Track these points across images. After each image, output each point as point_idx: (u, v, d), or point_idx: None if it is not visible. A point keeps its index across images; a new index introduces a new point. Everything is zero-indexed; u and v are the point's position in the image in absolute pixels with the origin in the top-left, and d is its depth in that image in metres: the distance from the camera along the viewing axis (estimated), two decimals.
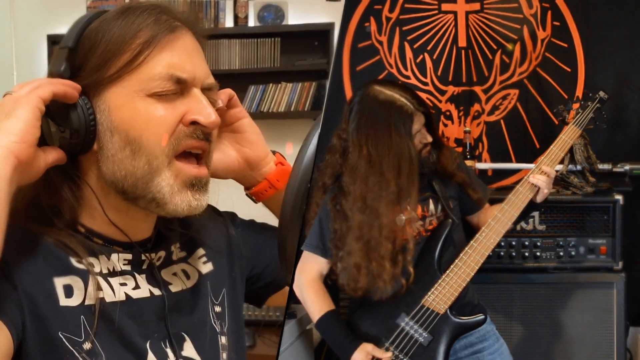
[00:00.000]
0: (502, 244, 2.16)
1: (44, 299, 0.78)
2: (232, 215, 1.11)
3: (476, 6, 2.54)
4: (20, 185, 0.76)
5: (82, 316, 0.80)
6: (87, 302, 0.81)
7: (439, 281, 1.66)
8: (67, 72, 0.81)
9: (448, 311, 1.66)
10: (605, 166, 2.17)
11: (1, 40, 3.34)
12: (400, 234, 1.62)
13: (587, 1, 2.44)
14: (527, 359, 2.15)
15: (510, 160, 2.51)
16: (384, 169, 1.60)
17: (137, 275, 0.88)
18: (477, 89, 2.54)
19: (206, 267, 0.98)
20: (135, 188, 0.82)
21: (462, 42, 2.55)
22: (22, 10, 3.36)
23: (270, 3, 3.18)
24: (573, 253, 2.16)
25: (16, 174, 0.73)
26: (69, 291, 0.80)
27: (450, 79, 2.55)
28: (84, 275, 0.82)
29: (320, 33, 3.10)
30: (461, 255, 1.68)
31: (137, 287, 0.87)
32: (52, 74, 0.81)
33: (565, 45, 2.47)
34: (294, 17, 3.19)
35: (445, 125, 2.55)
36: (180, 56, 0.83)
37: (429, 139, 1.66)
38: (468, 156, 2.31)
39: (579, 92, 2.38)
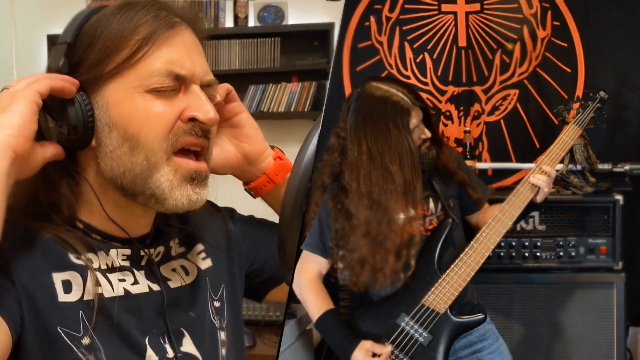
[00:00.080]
0: (502, 244, 2.16)
1: (43, 294, 0.78)
2: (230, 211, 1.11)
3: (476, 6, 2.54)
4: (18, 180, 0.76)
5: (80, 311, 0.80)
6: (85, 298, 0.81)
7: (439, 281, 1.66)
8: (66, 68, 0.81)
9: (448, 311, 1.66)
10: (605, 166, 2.17)
11: (1, 40, 3.34)
12: (409, 227, 1.62)
13: (587, 1, 2.44)
14: (527, 359, 2.15)
15: (510, 160, 2.51)
16: (387, 162, 1.60)
17: (135, 271, 0.88)
18: (477, 89, 2.54)
19: (205, 263, 0.98)
20: (134, 184, 0.82)
21: (462, 42, 2.55)
22: (22, 10, 3.36)
23: (270, 3, 3.18)
24: (573, 253, 2.16)
25: (13, 168, 0.73)
26: (67, 287, 0.80)
27: (450, 79, 2.55)
28: (83, 271, 0.82)
29: (320, 33, 3.10)
30: (462, 255, 1.67)
31: (135, 282, 0.87)
32: (50, 70, 0.81)
33: (565, 45, 2.47)
34: (294, 17, 3.19)
35: (445, 125, 2.55)
36: (180, 52, 0.83)
37: (428, 134, 1.66)
38: (468, 156, 2.31)
39: (579, 92, 2.38)
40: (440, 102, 2.56)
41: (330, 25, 3.05)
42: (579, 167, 2.11)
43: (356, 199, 1.62)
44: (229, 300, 0.99)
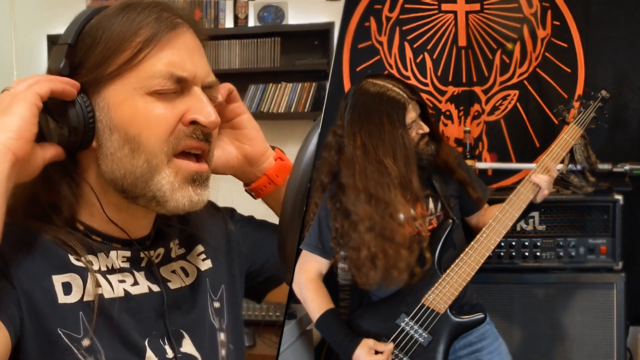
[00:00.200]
0: (502, 244, 2.16)
1: (42, 296, 0.78)
2: (231, 211, 1.10)
3: (476, 6, 2.54)
4: (18, 183, 0.76)
5: (80, 312, 0.79)
6: (85, 299, 0.80)
7: (439, 281, 1.66)
8: (67, 69, 0.80)
9: (448, 311, 1.66)
10: (605, 166, 2.17)
11: (1, 40, 3.34)
12: (409, 227, 1.62)
13: (587, 1, 2.44)
14: (527, 359, 2.15)
15: (510, 160, 2.51)
16: (381, 156, 1.59)
17: (135, 273, 0.88)
18: (477, 89, 2.54)
19: (205, 264, 0.98)
20: (134, 187, 0.82)
21: (462, 42, 2.55)
22: (22, 10, 3.36)
23: (270, 3, 3.18)
24: (573, 253, 2.16)
25: (14, 171, 0.72)
26: (67, 289, 0.80)
27: (450, 79, 2.55)
28: (83, 273, 0.81)
29: (320, 33, 3.10)
30: (462, 255, 1.67)
31: (135, 283, 0.87)
32: (51, 71, 0.81)
33: (565, 45, 2.47)
34: (294, 17, 3.19)
35: (445, 125, 2.55)
36: (181, 54, 0.83)
37: (425, 129, 1.66)
38: (468, 156, 2.31)
39: (580, 92, 2.38)
40: (440, 102, 2.56)
41: (330, 25, 3.05)
42: (579, 167, 2.10)
43: (353, 194, 1.62)
44: (228, 301, 0.99)
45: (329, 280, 1.83)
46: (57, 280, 0.80)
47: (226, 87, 0.96)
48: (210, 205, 1.03)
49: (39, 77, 0.78)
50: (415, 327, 1.67)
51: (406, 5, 2.55)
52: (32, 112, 0.74)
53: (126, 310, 0.84)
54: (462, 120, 2.55)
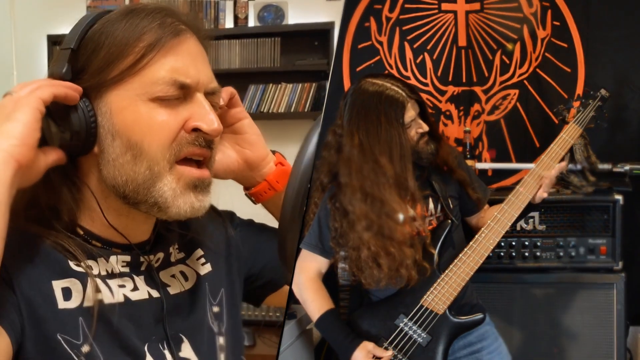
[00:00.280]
0: (502, 244, 2.16)
1: (43, 301, 0.77)
2: (230, 215, 1.10)
3: (476, 6, 2.54)
4: (20, 188, 0.76)
5: (80, 318, 0.79)
6: (85, 304, 0.80)
7: (438, 281, 1.66)
8: (69, 74, 0.80)
9: (447, 311, 1.66)
10: (605, 166, 2.17)
11: (1, 40, 3.34)
12: (409, 227, 1.62)
13: (587, 1, 2.44)
14: (527, 359, 2.15)
15: (510, 160, 2.51)
16: (377, 155, 1.59)
17: (135, 277, 0.88)
18: (477, 89, 2.54)
19: (204, 268, 0.98)
20: (136, 194, 0.82)
21: (462, 42, 2.55)
22: (22, 10, 3.36)
23: (270, 3, 3.18)
24: (573, 253, 2.16)
25: (16, 178, 0.72)
26: (67, 294, 0.80)
27: (450, 79, 2.55)
28: (83, 278, 0.81)
29: (320, 33, 3.10)
30: (460, 255, 1.67)
31: (135, 289, 0.87)
32: (53, 75, 0.80)
33: (565, 45, 2.47)
34: (294, 17, 3.19)
35: (445, 125, 2.55)
36: (184, 61, 0.82)
37: (425, 127, 1.66)
38: (468, 156, 2.31)
39: (579, 92, 2.38)
40: (440, 102, 2.56)
41: (330, 25, 3.04)
42: (579, 166, 2.10)
43: (350, 193, 1.62)
44: (228, 305, 0.99)
45: (329, 280, 1.83)
46: (57, 285, 0.80)
47: (228, 91, 0.96)
48: (211, 209, 1.02)
49: (41, 82, 0.78)
50: (414, 327, 1.67)
51: (406, 5, 2.55)
52: (35, 118, 0.74)
53: (126, 316, 0.84)
54: (462, 120, 2.55)
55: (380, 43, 2.56)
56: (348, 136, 1.64)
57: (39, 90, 0.76)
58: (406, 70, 2.56)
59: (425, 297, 1.67)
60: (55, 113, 0.79)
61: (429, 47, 2.56)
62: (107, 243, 0.86)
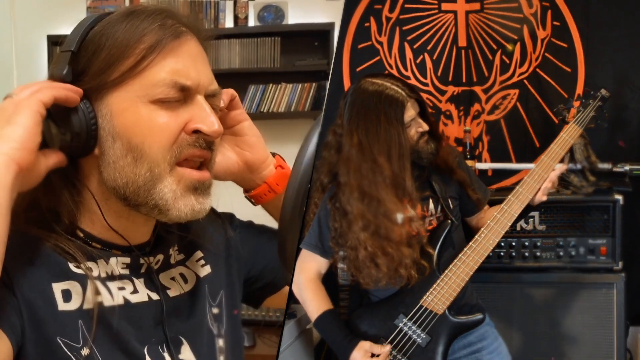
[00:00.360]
0: (502, 244, 2.16)
1: (43, 303, 0.77)
2: (230, 217, 1.10)
3: (476, 6, 2.54)
4: (21, 191, 0.76)
5: (80, 321, 0.79)
6: (85, 307, 0.80)
7: (438, 281, 1.66)
8: (69, 76, 0.80)
9: (447, 311, 1.66)
10: (605, 166, 2.17)
11: (1, 40, 3.34)
12: (409, 227, 1.62)
13: (587, 1, 2.44)
14: (527, 359, 2.15)
15: (510, 160, 2.51)
16: (375, 154, 1.59)
17: (135, 280, 0.88)
18: (477, 89, 2.54)
19: (204, 270, 0.98)
20: (137, 196, 0.82)
21: (462, 42, 2.55)
22: (22, 10, 3.36)
23: (270, 3, 3.18)
24: (573, 253, 2.16)
25: (17, 181, 0.72)
26: (67, 296, 0.80)
27: (450, 79, 2.55)
28: (82, 280, 0.81)
29: (320, 33, 3.10)
30: (460, 255, 1.67)
31: (135, 291, 0.87)
32: (53, 77, 0.80)
33: (565, 45, 2.47)
34: (294, 17, 3.19)
35: (445, 125, 2.55)
36: (185, 63, 0.82)
37: (425, 127, 1.66)
38: (468, 156, 2.31)
39: (579, 92, 2.38)
40: (440, 102, 2.56)
41: (330, 26, 3.04)
42: (578, 166, 2.10)
43: (348, 192, 1.62)
44: (227, 306, 0.99)
45: (329, 280, 1.83)
46: (57, 287, 0.80)
47: (228, 93, 0.96)
48: (210, 211, 1.02)
49: (41, 84, 0.78)
50: (414, 327, 1.67)
51: (406, 6, 2.55)
52: (36, 121, 0.74)
53: (126, 319, 0.84)
54: (462, 120, 2.55)
55: (380, 43, 2.56)
56: (347, 135, 1.64)
57: (40, 92, 0.76)
58: (406, 70, 2.56)
59: (425, 297, 1.67)
60: (56, 115, 0.79)
61: (429, 47, 2.56)
62: (107, 245, 0.86)
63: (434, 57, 2.56)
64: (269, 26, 3.17)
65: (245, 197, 1.05)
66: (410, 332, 1.67)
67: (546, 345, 2.16)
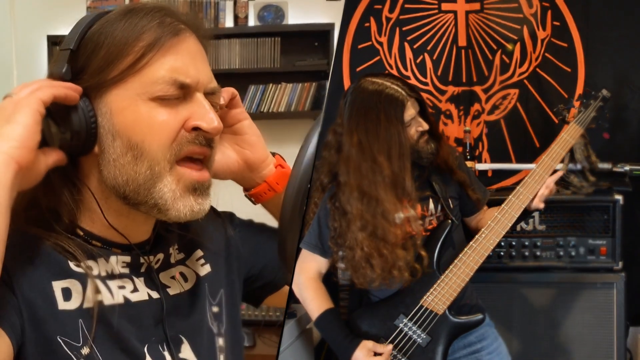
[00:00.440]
0: (502, 243, 2.16)
1: (43, 302, 0.77)
2: (230, 216, 1.10)
3: (476, 6, 2.54)
4: (21, 190, 0.75)
5: (80, 320, 0.79)
6: (85, 305, 0.80)
7: (438, 281, 1.66)
8: (69, 75, 0.80)
9: (447, 311, 1.66)
10: (605, 166, 2.17)
11: (1, 40, 3.34)
12: (408, 227, 1.62)
13: (587, 1, 2.44)
14: (527, 359, 2.15)
15: (510, 160, 2.51)
16: (375, 153, 1.59)
17: (135, 279, 0.88)
18: (477, 89, 2.54)
19: (204, 269, 0.98)
20: (137, 194, 0.82)
21: (462, 42, 2.55)
22: (22, 10, 3.36)
23: (270, 3, 3.18)
24: (573, 253, 2.16)
25: (17, 180, 0.72)
26: (67, 294, 0.80)
27: (450, 78, 2.55)
28: (82, 279, 0.81)
29: (320, 33, 3.10)
30: (460, 255, 1.67)
31: (135, 290, 0.87)
32: (52, 76, 0.80)
33: (565, 45, 2.47)
34: (294, 17, 3.19)
35: (445, 125, 2.55)
36: (184, 60, 0.82)
37: (425, 126, 1.66)
38: (468, 156, 2.31)
39: (580, 92, 2.38)
40: (440, 101, 2.56)
41: (330, 26, 3.05)
42: (579, 166, 2.10)
43: (348, 192, 1.62)
44: (227, 305, 0.99)
45: (329, 280, 1.83)
46: (57, 286, 0.80)
47: (229, 92, 0.96)
48: (210, 210, 1.02)
49: (41, 83, 0.77)
50: (414, 328, 1.67)
51: (406, 6, 2.55)
52: (35, 120, 0.74)
53: (126, 317, 0.84)
54: (462, 119, 2.55)
55: (380, 43, 2.56)
56: (347, 135, 1.64)
57: (39, 91, 0.75)
58: (406, 70, 2.56)
59: (425, 297, 1.67)
60: (56, 113, 0.79)
61: (429, 48, 2.56)
62: (107, 243, 0.86)
63: (434, 57, 2.56)
64: (269, 26, 3.17)
65: (245, 195, 1.05)
66: (410, 332, 1.67)
67: (546, 345, 2.16)
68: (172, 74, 0.81)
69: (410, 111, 1.62)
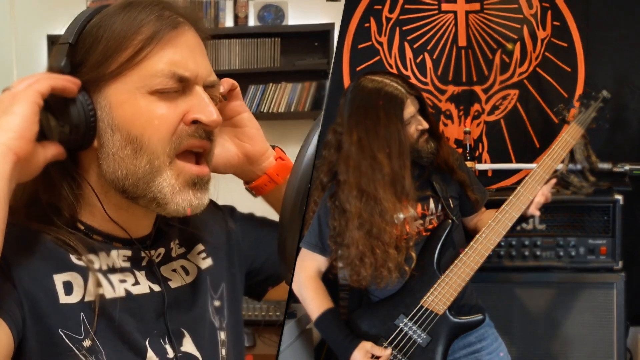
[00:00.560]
0: (502, 243, 2.16)
1: (44, 296, 0.77)
2: (231, 209, 1.10)
3: (476, 6, 2.55)
4: (20, 182, 0.76)
5: (81, 313, 0.79)
6: (86, 299, 0.80)
7: (438, 281, 1.66)
8: (67, 68, 0.80)
9: (447, 312, 1.66)
10: (605, 166, 2.17)
11: (1, 40, 3.34)
12: (408, 227, 1.62)
13: (587, 1, 2.44)
14: (527, 359, 2.15)
15: (510, 160, 2.51)
16: (375, 151, 1.59)
17: (136, 272, 0.88)
18: (477, 89, 2.54)
19: (205, 263, 0.98)
20: (136, 188, 0.82)
21: (462, 42, 2.55)
22: (22, 10, 3.36)
23: (270, 3, 3.18)
24: (573, 253, 2.16)
25: (15, 171, 0.72)
26: (68, 288, 0.80)
27: (450, 78, 2.55)
28: (84, 272, 0.81)
29: (320, 33, 3.10)
30: (461, 255, 1.67)
31: (136, 283, 0.87)
32: (51, 69, 0.80)
33: (565, 45, 2.47)
34: (294, 17, 3.19)
35: (445, 125, 2.55)
36: (183, 53, 0.82)
37: (425, 125, 1.65)
38: (468, 157, 2.31)
39: (580, 92, 2.38)
40: (440, 101, 2.56)
41: (330, 26, 3.04)
42: (579, 166, 2.10)
43: (347, 190, 1.62)
44: (229, 299, 0.99)
45: (329, 279, 1.83)
46: (58, 279, 0.79)
47: (229, 82, 0.97)
48: (211, 203, 1.02)
49: (39, 76, 0.77)
50: (414, 328, 1.66)
51: (406, 6, 2.55)
52: (33, 111, 0.74)
53: (127, 311, 0.84)
54: (462, 119, 2.55)
55: (380, 43, 2.57)
56: (347, 133, 1.64)
57: (37, 83, 0.76)
58: (406, 69, 2.56)
59: (425, 297, 1.66)
60: (55, 107, 0.79)
61: (429, 47, 2.56)
62: (108, 237, 0.86)
63: (434, 57, 2.56)
64: (269, 26, 3.17)
65: (246, 188, 1.05)
66: (410, 332, 1.67)
67: (546, 345, 2.16)
68: (171, 67, 0.81)
69: (410, 109, 1.62)
